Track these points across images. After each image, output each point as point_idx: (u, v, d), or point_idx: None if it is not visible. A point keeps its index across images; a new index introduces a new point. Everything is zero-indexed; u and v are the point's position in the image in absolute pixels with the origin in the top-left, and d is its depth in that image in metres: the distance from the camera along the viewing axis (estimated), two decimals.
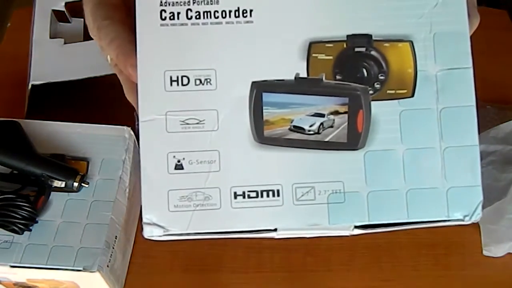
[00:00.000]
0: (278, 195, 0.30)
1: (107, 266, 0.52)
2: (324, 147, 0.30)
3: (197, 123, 0.30)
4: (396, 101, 0.30)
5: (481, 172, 0.67)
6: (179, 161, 0.30)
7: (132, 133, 0.58)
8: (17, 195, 0.51)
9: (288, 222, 0.30)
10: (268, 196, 0.30)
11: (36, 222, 0.52)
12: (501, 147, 0.66)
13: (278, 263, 0.61)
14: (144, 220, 0.30)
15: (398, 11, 0.31)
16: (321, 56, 0.30)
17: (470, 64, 0.31)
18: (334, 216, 0.30)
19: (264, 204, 0.30)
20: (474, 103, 0.31)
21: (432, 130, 0.30)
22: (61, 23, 0.74)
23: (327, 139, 0.30)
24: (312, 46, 0.30)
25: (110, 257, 0.52)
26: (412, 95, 0.30)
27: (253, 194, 0.30)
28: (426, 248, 0.62)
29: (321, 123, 0.30)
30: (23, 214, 0.50)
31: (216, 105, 0.30)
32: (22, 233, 0.51)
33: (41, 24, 0.70)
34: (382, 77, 0.31)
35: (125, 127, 0.58)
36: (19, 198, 0.51)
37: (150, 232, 0.30)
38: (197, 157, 0.30)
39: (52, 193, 0.53)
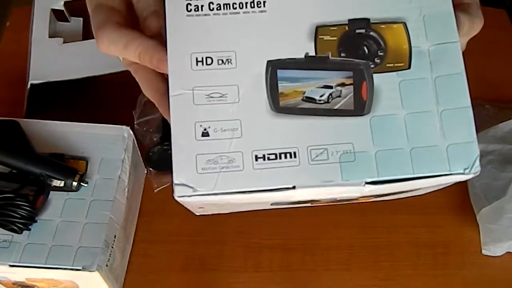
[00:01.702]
0: (295, 157, 0.33)
1: (106, 265, 0.52)
2: (333, 114, 0.34)
3: (221, 97, 0.34)
4: (395, 73, 0.34)
5: (480, 172, 0.67)
6: (205, 129, 0.33)
7: (131, 132, 0.58)
8: (16, 194, 0.51)
9: (305, 179, 0.33)
10: (286, 157, 0.33)
11: (35, 221, 0.52)
12: (500, 147, 0.66)
13: (277, 262, 0.61)
14: (175, 181, 0.33)
15: None
16: (327, 38, 0.35)
17: (457, 39, 0.35)
18: (347, 173, 0.33)
19: (283, 164, 0.33)
20: (463, 70, 0.34)
21: (429, 95, 0.34)
22: (60, 22, 0.74)
23: (336, 107, 0.34)
24: (319, 30, 0.35)
25: (109, 256, 0.52)
26: (409, 67, 0.34)
27: (272, 157, 0.33)
28: (425, 247, 0.62)
29: (330, 94, 0.34)
30: (22, 213, 0.50)
31: (236, 81, 0.34)
32: (21, 233, 0.51)
33: (40, 23, 0.70)
34: (381, 53, 0.35)
35: (124, 127, 0.58)
36: (18, 198, 0.51)
37: (181, 192, 0.33)
38: (221, 126, 0.33)
39: (51, 192, 0.53)
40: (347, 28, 0.35)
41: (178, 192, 0.33)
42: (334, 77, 0.34)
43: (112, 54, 0.37)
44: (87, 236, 0.52)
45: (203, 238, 0.62)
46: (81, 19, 0.76)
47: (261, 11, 0.35)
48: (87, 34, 0.74)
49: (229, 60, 0.34)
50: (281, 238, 0.63)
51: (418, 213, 0.64)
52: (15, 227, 0.50)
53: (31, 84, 0.64)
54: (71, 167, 0.54)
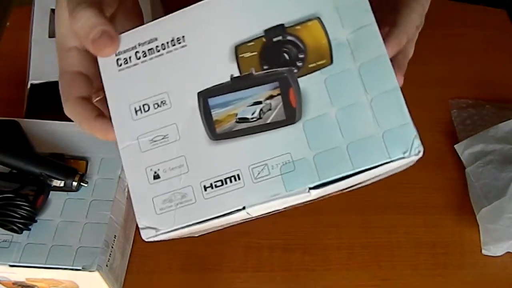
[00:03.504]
0: (239, 179, 0.34)
1: (106, 265, 0.52)
2: (268, 128, 0.34)
3: (163, 138, 0.35)
4: (318, 71, 0.34)
5: (481, 171, 0.67)
6: (155, 172, 0.35)
7: None
8: (16, 194, 0.51)
9: (252, 198, 0.34)
10: (231, 181, 0.34)
11: (35, 221, 0.52)
12: (500, 147, 0.66)
13: (276, 262, 0.61)
14: (139, 226, 0.35)
15: None
16: (247, 55, 0.35)
17: (373, 20, 0.34)
18: (289, 183, 0.33)
19: (229, 189, 0.34)
20: (385, 52, 0.34)
21: (356, 86, 0.34)
22: None
23: (268, 121, 0.34)
24: (238, 49, 0.35)
25: (109, 256, 0.52)
26: (331, 62, 0.34)
27: (219, 183, 0.34)
28: (425, 247, 0.62)
29: (261, 109, 0.35)
30: (22, 213, 0.50)
31: (174, 120, 0.35)
32: (21, 233, 0.51)
33: (40, 23, 0.70)
34: (301, 56, 0.35)
35: None
36: (18, 198, 0.51)
37: (147, 234, 0.35)
38: (169, 165, 0.35)
39: (51, 192, 0.53)
40: (264, 40, 0.35)
41: (144, 235, 0.35)
42: (262, 92, 0.35)
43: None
44: (87, 236, 0.52)
45: (203, 238, 0.62)
46: None
47: (182, 46, 0.36)
48: None
49: (164, 102, 0.36)
50: (281, 238, 0.63)
51: (418, 213, 0.64)
52: (15, 227, 0.51)
53: (31, 84, 0.64)
54: (71, 167, 0.54)
